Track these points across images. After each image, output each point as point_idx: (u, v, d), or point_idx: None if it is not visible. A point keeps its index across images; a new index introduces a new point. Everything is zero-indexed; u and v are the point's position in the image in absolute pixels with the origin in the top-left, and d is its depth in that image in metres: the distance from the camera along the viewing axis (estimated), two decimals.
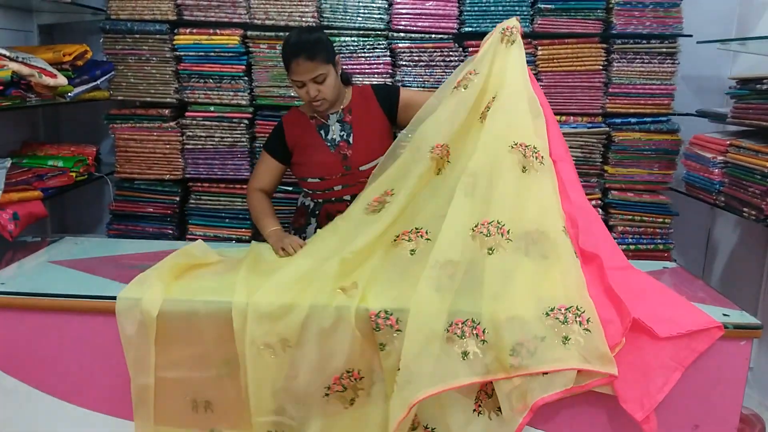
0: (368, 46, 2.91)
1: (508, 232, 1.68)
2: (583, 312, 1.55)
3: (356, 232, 1.87)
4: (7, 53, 2.21)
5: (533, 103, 1.91)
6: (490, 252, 1.66)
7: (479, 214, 1.72)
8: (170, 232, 3.03)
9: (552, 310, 1.57)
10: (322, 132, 2.23)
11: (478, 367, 1.55)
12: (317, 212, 2.26)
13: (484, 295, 1.60)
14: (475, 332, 1.56)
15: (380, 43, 2.91)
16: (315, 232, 2.16)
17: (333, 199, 2.23)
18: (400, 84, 2.93)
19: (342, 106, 2.25)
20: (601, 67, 2.93)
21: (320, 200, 2.26)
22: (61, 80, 2.42)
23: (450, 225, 1.71)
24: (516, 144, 1.80)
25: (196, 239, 2.28)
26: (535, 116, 1.89)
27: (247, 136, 2.96)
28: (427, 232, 1.78)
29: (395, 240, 1.83)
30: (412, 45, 2.91)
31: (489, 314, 1.57)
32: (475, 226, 1.70)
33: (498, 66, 1.95)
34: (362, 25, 2.91)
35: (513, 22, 2.02)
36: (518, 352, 1.52)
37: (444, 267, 1.65)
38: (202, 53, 2.90)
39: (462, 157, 1.86)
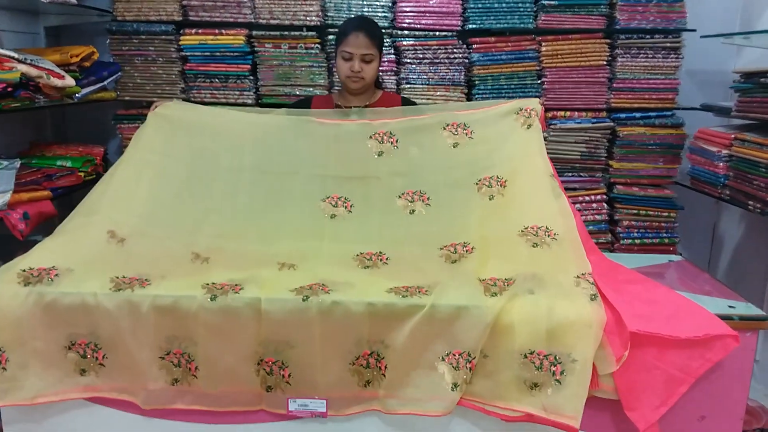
0: None
1: (514, 282, 1.60)
2: (560, 363, 1.50)
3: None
4: (16, 55, 2.24)
5: (554, 183, 1.89)
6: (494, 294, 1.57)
7: (490, 271, 1.67)
8: None
9: (531, 353, 1.52)
10: None
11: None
12: None
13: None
14: (468, 366, 1.53)
15: (384, 40, 2.92)
16: None
17: None
18: (404, 82, 2.96)
19: (367, 102, 2.31)
20: (605, 63, 2.94)
21: None
22: (69, 81, 2.44)
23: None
24: (526, 228, 1.78)
25: None
26: (557, 196, 1.86)
27: None
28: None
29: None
30: (416, 43, 2.92)
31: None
32: (482, 280, 1.63)
33: (513, 150, 1.96)
34: None
35: (534, 105, 2.02)
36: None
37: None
38: (208, 53, 2.92)
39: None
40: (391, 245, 1.84)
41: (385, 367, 1.57)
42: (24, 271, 1.59)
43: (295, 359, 1.56)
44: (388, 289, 1.58)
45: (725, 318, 1.60)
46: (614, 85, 2.96)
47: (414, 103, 2.45)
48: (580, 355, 1.49)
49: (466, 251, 1.74)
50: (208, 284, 1.57)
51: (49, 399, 1.58)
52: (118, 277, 1.59)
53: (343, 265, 1.73)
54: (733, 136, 2.59)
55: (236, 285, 1.57)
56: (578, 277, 1.61)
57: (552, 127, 2.93)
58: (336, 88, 2.93)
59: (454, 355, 1.54)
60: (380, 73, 2.48)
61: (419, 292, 1.56)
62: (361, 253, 1.79)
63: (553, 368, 1.51)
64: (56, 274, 1.58)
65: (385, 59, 2.93)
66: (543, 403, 1.52)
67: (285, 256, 1.75)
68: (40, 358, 1.56)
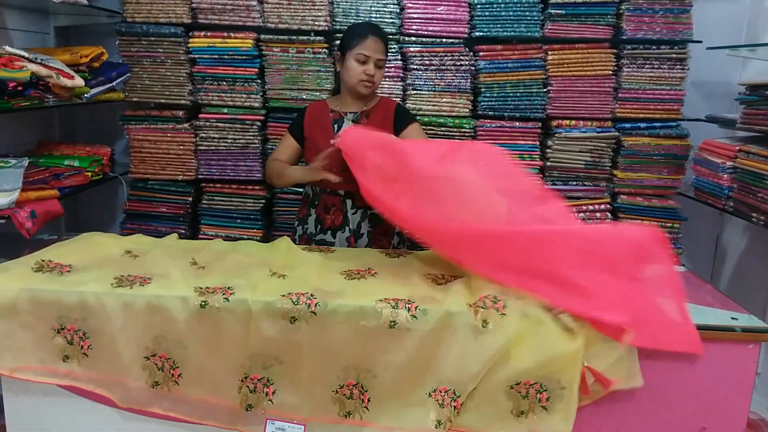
0: None
1: (504, 306, 1.56)
2: (545, 390, 1.52)
3: None
4: (26, 54, 2.26)
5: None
6: (485, 325, 1.54)
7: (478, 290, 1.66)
8: (183, 231, 3.06)
9: (518, 383, 1.53)
10: (335, 126, 2.28)
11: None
12: (316, 203, 2.30)
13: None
14: (453, 404, 1.55)
15: (392, 47, 2.94)
16: (315, 223, 2.29)
17: (328, 190, 2.27)
18: (410, 88, 2.97)
19: (364, 108, 2.29)
20: (611, 72, 2.95)
21: (318, 189, 2.30)
22: (78, 81, 2.46)
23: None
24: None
25: (209, 239, 2.31)
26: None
27: (259, 138, 3.00)
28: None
29: None
30: (423, 49, 2.94)
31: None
32: (473, 303, 1.59)
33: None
34: None
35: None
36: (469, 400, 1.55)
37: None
38: (216, 56, 2.94)
39: None
40: (378, 266, 1.85)
41: (369, 400, 1.58)
42: (43, 260, 1.69)
43: (283, 375, 1.58)
44: (378, 299, 1.57)
45: (727, 330, 1.61)
46: (620, 94, 2.97)
47: (407, 111, 2.40)
48: (568, 382, 1.51)
49: (453, 278, 1.76)
50: (200, 287, 1.60)
51: (28, 377, 1.61)
52: (123, 275, 1.65)
53: (332, 277, 1.75)
54: (737, 148, 2.59)
55: (228, 288, 1.60)
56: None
57: (557, 135, 2.94)
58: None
59: (441, 391, 1.55)
60: (383, 79, 2.49)
61: (409, 308, 1.55)
62: (349, 269, 1.80)
63: (539, 395, 1.53)
64: (68, 271, 1.67)
65: (392, 65, 2.94)
66: (529, 428, 1.54)
67: (276, 267, 1.79)
68: (28, 334, 1.59)
